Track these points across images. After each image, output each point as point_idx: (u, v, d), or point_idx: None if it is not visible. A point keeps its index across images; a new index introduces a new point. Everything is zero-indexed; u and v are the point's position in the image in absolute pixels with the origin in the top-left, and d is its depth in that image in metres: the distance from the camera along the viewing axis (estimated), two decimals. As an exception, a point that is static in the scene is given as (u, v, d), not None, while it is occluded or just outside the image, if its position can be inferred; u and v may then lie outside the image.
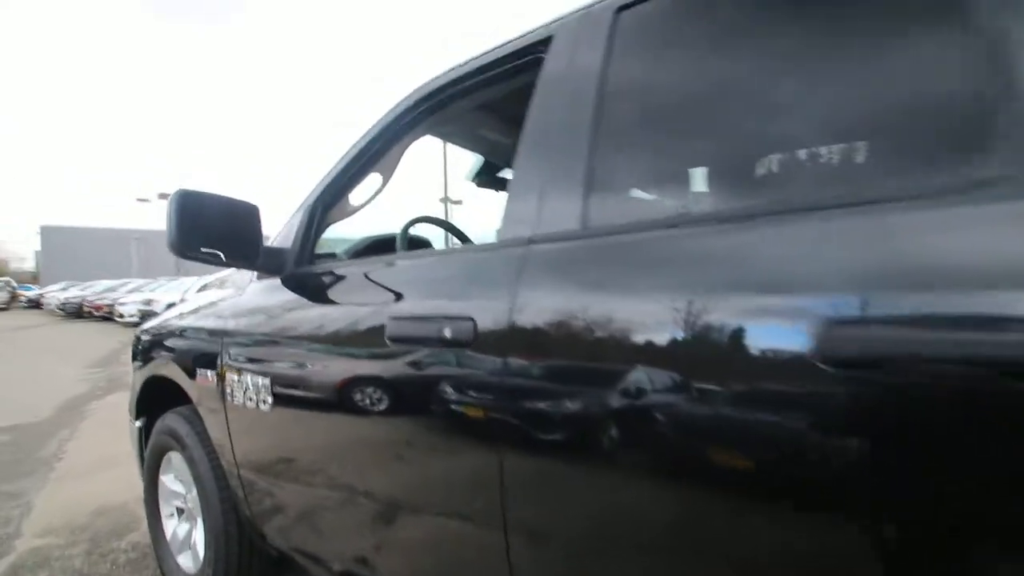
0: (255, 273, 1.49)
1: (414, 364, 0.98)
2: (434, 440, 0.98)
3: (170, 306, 4.79)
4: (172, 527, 1.80)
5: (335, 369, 1.15)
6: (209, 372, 1.49)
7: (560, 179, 0.90)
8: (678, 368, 0.68)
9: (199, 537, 1.65)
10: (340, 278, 1.26)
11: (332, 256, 1.57)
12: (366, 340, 1.09)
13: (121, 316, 14.63)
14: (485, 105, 1.48)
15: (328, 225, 1.46)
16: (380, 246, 1.66)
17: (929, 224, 0.56)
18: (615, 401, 0.72)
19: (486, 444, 0.87)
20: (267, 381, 1.29)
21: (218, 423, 1.48)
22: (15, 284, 32.60)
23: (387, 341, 1.02)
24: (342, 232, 1.62)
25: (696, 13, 0.86)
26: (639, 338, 0.71)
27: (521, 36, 1.08)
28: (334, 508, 1.20)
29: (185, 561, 1.73)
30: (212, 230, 1.23)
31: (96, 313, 17.72)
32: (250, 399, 1.34)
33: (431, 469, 0.99)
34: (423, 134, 1.51)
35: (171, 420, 1.70)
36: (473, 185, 2.17)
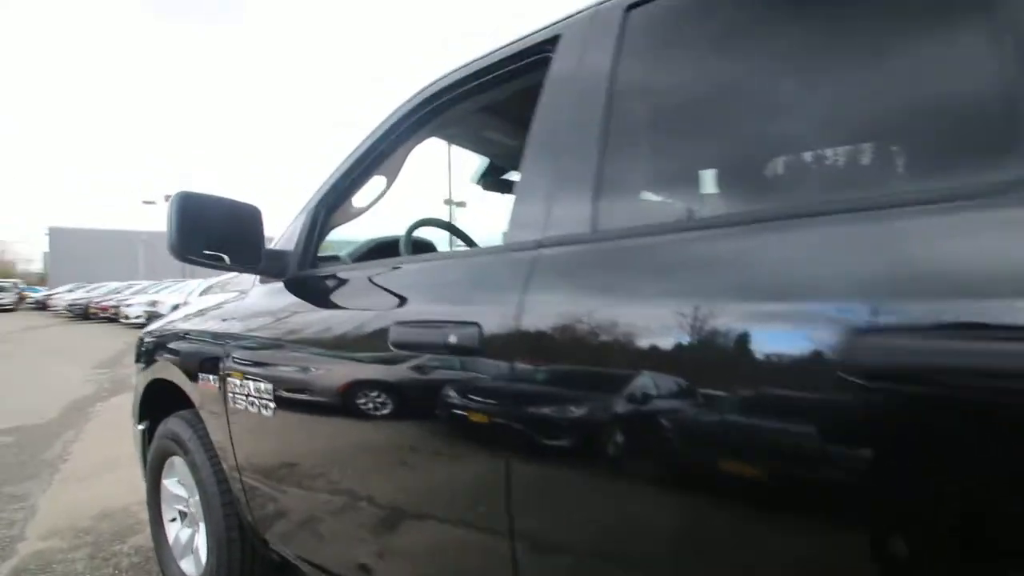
0: (258, 276, 1.48)
1: (418, 369, 0.97)
2: (439, 446, 0.96)
3: (175, 308, 4.80)
4: (174, 531, 1.79)
5: (338, 374, 1.14)
6: (211, 376, 1.48)
7: (569, 181, 0.88)
8: (687, 374, 0.66)
9: (201, 542, 1.64)
10: (343, 282, 1.25)
11: (335, 259, 1.56)
12: (370, 345, 1.07)
13: (127, 317, 14.76)
14: (490, 106, 1.46)
15: (331, 228, 1.44)
16: (384, 249, 1.65)
17: (943, 229, 0.55)
18: (623, 408, 0.70)
19: (492, 450, 0.86)
20: (269, 385, 1.28)
21: (220, 427, 1.47)
22: (22, 286, 32.91)
23: (391, 347, 1.00)
24: (345, 234, 1.60)
25: (708, 12, 0.84)
26: (649, 344, 0.70)
27: (527, 36, 1.06)
28: (337, 514, 1.19)
29: (187, 566, 1.72)
30: (213, 233, 1.22)
31: (102, 314, 17.88)
32: (252, 403, 1.33)
33: (435, 475, 0.97)
34: (427, 136, 1.50)
35: (174, 424, 1.69)
36: (478, 187, 2.15)
